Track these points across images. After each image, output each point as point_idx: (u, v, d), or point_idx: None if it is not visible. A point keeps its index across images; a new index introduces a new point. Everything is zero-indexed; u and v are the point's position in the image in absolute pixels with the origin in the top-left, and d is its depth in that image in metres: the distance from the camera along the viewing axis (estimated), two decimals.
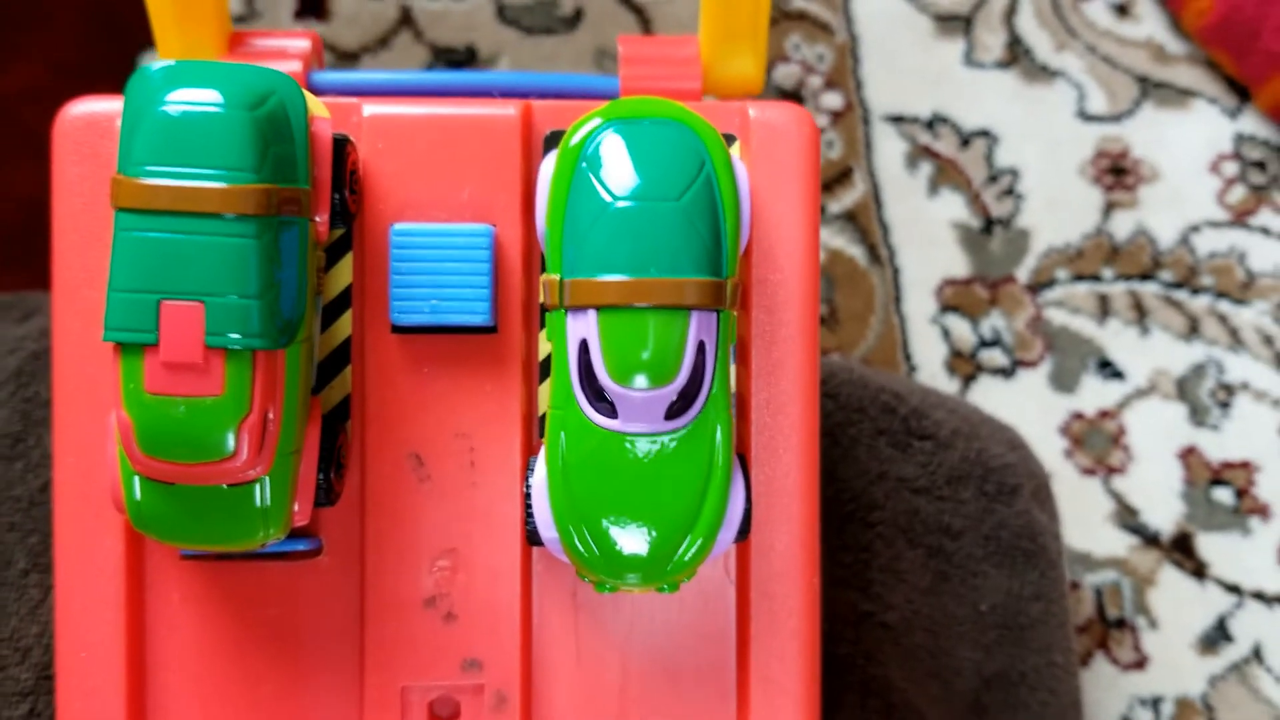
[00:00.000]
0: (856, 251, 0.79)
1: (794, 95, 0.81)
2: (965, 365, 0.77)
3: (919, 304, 0.78)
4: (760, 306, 0.36)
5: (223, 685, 0.36)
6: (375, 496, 0.36)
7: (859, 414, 0.54)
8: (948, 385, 0.76)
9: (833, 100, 0.81)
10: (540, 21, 0.81)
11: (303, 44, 0.40)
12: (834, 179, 0.80)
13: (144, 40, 0.78)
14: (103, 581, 0.35)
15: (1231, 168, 0.81)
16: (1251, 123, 0.82)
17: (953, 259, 0.78)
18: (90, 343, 0.35)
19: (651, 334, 0.32)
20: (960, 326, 0.77)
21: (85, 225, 0.35)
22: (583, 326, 0.32)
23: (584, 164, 0.33)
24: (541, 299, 0.36)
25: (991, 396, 0.76)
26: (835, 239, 0.79)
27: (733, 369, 0.37)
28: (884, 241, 0.79)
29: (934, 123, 0.81)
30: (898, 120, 0.81)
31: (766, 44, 0.41)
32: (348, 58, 0.79)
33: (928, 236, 0.79)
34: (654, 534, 0.33)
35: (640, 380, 0.32)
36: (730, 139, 0.37)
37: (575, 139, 0.33)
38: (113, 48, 0.78)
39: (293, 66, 0.39)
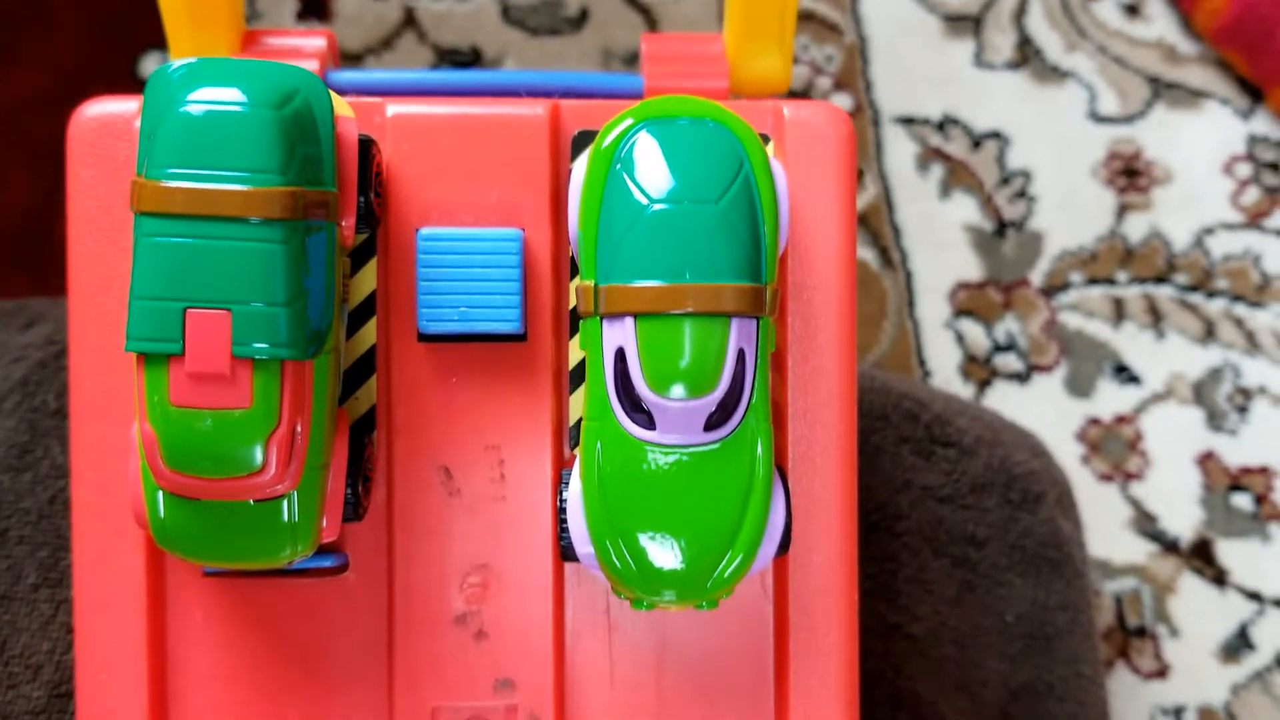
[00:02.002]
0: (868, 255, 0.78)
1: (803, 96, 0.80)
2: (980, 370, 0.76)
3: (932, 308, 0.77)
4: (796, 313, 0.35)
5: (247, 706, 0.35)
6: (403, 511, 0.35)
7: (882, 421, 0.53)
8: (962, 391, 0.75)
9: (842, 102, 0.80)
10: (545, 22, 0.80)
11: (318, 43, 0.39)
12: None
13: (146, 43, 0.77)
14: (123, 599, 0.34)
15: (1245, 169, 0.80)
16: (1264, 124, 0.81)
17: (965, 262, 0.77)
18: (107, 351, 0.34)
19: (690, 342, 0.31)
20: (974, 331, 0.76)
21: (101, 230, 0.34)
22: (619, 334, 0.31)
23: (618, 166, 0.31)
24: (573, 306, 0.35)
25: (1007, 402, 0.75)
26: None
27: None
28: (896, 244, 0.78)
29: (944, 124, 0.80)
30: (908, 122, 0.80)
31: (793, 42, 0.40)
32: (351, 59, 0.78)
33: (940, 239, 0.78)
34: (693, 549, 0.32)
35: (679, 390, 0.31)
36: (764, 139, 0.36)
37: (608, 140, 0.32)
38: (114, 51, 0.77)
39: (309, 66, 0.38)
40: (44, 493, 0.45)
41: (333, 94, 0.31)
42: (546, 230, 0.35)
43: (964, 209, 0.79)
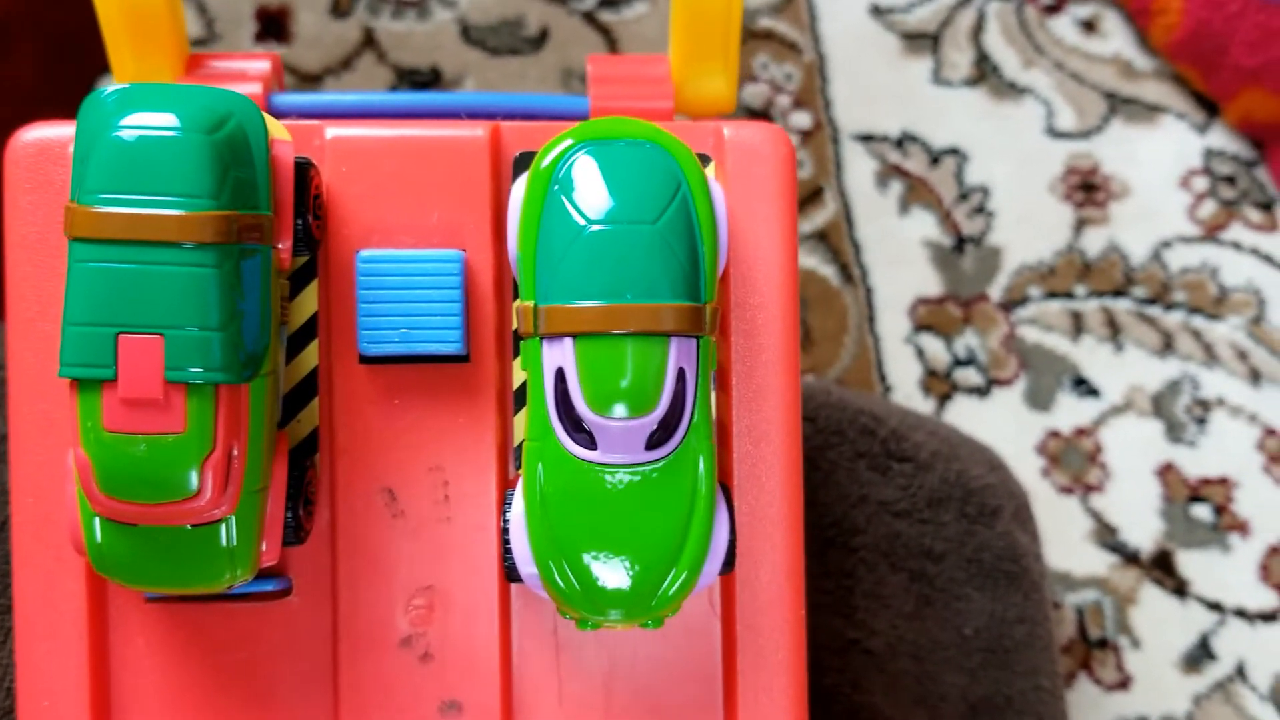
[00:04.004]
0: (829, 271, 0.78)
1: (763, 115, 0.81)
2: (940, 385, 0.76)
3: (892, 323, 0.77)
4: (739, 331, 0.35)
5: None
6: (346, 533, 0.35)
7: (838, 437, 0.54)
8: (923, 405, 0.76)
9: (802, 120, 0.81)
10: (505, 42, 0.80)
11: (262, 65, 0.39)
12: (805, 199, 0.79)
13: (104, 67, 0.76)
14: (64, 626, 0.34)
15: (1202, 183, 0.81)
16: (1220, 137, 0.82)
17: (925, 278, 0.78)
18: (47, 378, 0.34)
19: (630, 362, 0.31)
20: (934, 346, 0.77)
21: (39, 256, 0.34)
22: (559, 355, 0.31)
23: (556, 187, 0.32)
24: (515, 327, 0.35)
25: (967, 416, 0.75)
26: (808, 259, 0.78)
27: (713, 396, 0.36)
28: (856, 261, 0.78)
29: (903, 141, 0.80)
30: (867, 139, 0.80)
31: (738, 63, 0.40)
32: (310, 80, 0.78)
33: (900, 255, 0.78)
34: (637, 568, 0.32)
35: (619, 409, 0.31)
36: (705, 159, 0.36)
37: (546, 161, 0.32)
38: (72, 75, 0.77)
39: (252, 89, 0.38)
40: None
41: (269, 118, 0.31)
42: (489, 251, 0.35)
43: (923, 225, 0.79)
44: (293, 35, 0.79)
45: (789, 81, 0.81)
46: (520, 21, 0.80)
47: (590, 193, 0.31)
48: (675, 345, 0.31)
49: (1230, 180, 0.81)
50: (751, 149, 0.36)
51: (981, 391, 0.76)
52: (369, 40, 0.79)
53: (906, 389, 0.76)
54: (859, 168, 0.80)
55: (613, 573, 0.32)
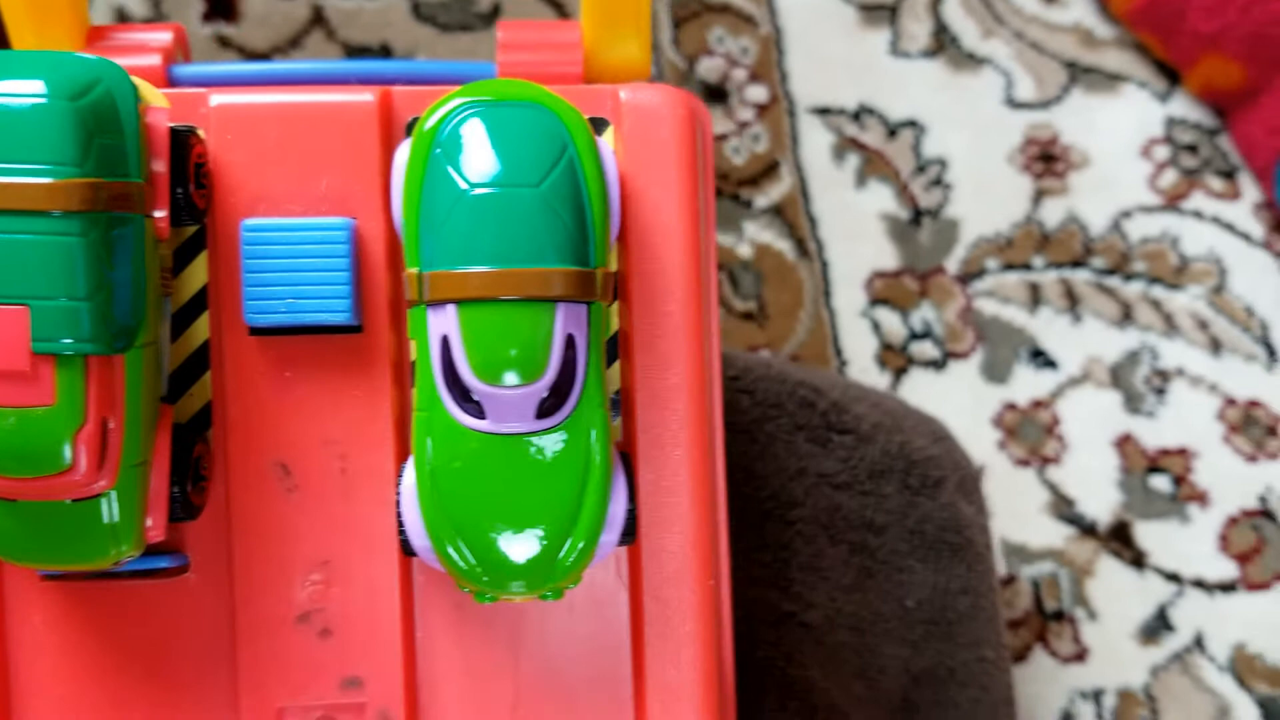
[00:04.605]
0: (784, 245, 0.77)
1: (718, 89, 0.80)
2: (896, 358, 0.76)
3: (848, 297, 0.76)
4: (639, 299, 0.35)
5: (91, 710, 0.35)
6: (241, 509, 0.34)
7: (776, 409, 0.53)
8: (879, 379, 0.75)
9: (758, 93, 0.80)
10: (456, 18, 0.79)
11: (164, 37, 0.38)
12: (761, 173, 0.78)
13: None
14: None
15: (1163, 152, 0.80)
16: (1182, 106, 0.81)
17: (882, 251, 0.77)
18: None
19: (516, 328, 0.30)
20: (890, 319, 0.76)
21: None
22: (444, 322, 0.31)
23: (438, 150, 0.31)
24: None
25: (923, 389, 0.75)
26: (763, 233, 0.77)
27: (615, 364, 0.35)
28: (812, 235, 0.77)
29: (860, 114, 0.80)
30: (824, 112, 0.80)
31: (650, 28, 0.39)
32: (258, 59, 0.77)
33: (856, 229, 0.78)
34: (531, 539, 0.31)
35: (507, 377, 0.31)
36: (604, 124, 0.35)
37: (429, 123, 0.31)
38: None
39: (151, 60, 0.37)
40: None
41: (144, 85, 0.31)
42: (380, 220, 0.34)
43: (880, 198, 0.78)
44: (240, 14, 0.78)
45: (745, 55, 0.81)
46: None
47: (473, 156, 0.31)
48: (563, 311, 0.31)
49: (1192, 149, 0.80)
50: (648, 111, 0.35)
51: (938, 365, 0.76)
52: (318, 18, 0.78)
53: (862, 363, 0.76)
54: (815, 141, 0.79)
55: (507, 544, 0.31)
